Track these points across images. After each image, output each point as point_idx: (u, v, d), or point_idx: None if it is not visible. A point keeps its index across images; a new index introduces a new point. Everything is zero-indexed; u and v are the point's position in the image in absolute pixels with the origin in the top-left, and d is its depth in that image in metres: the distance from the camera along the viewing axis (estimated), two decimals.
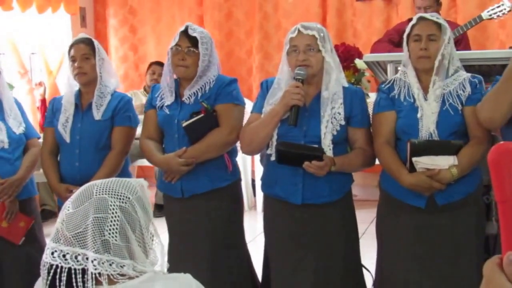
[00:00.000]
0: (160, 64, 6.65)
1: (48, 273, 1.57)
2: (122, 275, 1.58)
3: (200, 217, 3.16)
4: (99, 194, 1.60)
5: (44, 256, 1.60)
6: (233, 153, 3.25)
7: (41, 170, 5.14)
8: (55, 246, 1.59)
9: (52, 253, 1.58)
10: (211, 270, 3.11)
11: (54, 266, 1.57)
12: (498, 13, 4.40)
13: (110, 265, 1.57)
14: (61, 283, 1.55)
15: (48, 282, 1.56)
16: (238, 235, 3.29)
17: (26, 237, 3.32)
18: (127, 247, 1.60)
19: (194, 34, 3.09)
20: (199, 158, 3.10)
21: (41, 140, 3.53)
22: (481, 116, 2.75)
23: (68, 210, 1.61)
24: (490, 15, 4.42)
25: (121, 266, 1.58)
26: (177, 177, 3.15)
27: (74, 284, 1.55)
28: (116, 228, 1.58)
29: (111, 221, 1.58)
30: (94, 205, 1.59)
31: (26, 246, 3.32)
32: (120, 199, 1.61)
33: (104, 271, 1.56)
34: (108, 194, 1.60)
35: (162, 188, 3.30)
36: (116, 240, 1.58)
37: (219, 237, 3.17)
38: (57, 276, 1.55)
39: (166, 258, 1.72)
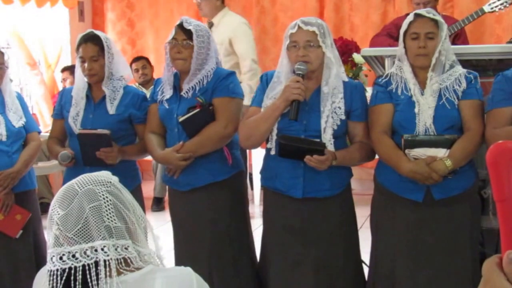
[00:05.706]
0: (139, 58, 6.68)
1: (61, 278, 1.57)
2: (127, 264, 1.61)
3: (201, 209, 3.17)
4: (84, 187, 1.63)
5: (50, 265, 1.60)
6: (233, 146, 3.25)
7: (39, 164, 5.16)
8: (61, 250, 1.60)
9: (61, 258, 1.58)
10: (212, 263, 3.12)
11: (66, 270, 1.57)
12: (499, 6, 4.40)
13: (116, 249, 1.60)
14: (77, 284, 1.56)
15: (61, 287, 1.57)
16: (242, 228, 3.26)
17: (24, 230, 3.31)
18: (127, 228, 1.64)
19: (189, 27, 3.10)
20: (196, 153, 3.11)
21: (42, 134, 3.53)
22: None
23: (58, 214, 1.61)
24: (492, 8, 4.40)
25: (125, 248, 1.61)
26: (179, 172, 3.17)
27: (89, 279, 1.56)
28: (112, 211, 1.62)
29: (106, 206, 1.61)
30: (85, 198, 1.61)
31: (24, 240, 3.31)
32: (104, 185, 1.65)
33: (113, 256, 1.58)
34: (91, 184, 1.63)
35: (167, 181, 3.34)
36: (115, 223, 1.61)
37: (220, 230, 3.18)
38: (72, 278, 1.56)
39: (160, 242, 1.75)
